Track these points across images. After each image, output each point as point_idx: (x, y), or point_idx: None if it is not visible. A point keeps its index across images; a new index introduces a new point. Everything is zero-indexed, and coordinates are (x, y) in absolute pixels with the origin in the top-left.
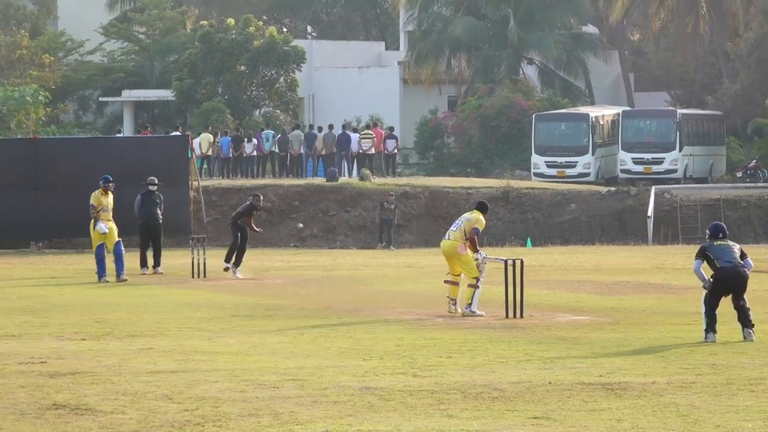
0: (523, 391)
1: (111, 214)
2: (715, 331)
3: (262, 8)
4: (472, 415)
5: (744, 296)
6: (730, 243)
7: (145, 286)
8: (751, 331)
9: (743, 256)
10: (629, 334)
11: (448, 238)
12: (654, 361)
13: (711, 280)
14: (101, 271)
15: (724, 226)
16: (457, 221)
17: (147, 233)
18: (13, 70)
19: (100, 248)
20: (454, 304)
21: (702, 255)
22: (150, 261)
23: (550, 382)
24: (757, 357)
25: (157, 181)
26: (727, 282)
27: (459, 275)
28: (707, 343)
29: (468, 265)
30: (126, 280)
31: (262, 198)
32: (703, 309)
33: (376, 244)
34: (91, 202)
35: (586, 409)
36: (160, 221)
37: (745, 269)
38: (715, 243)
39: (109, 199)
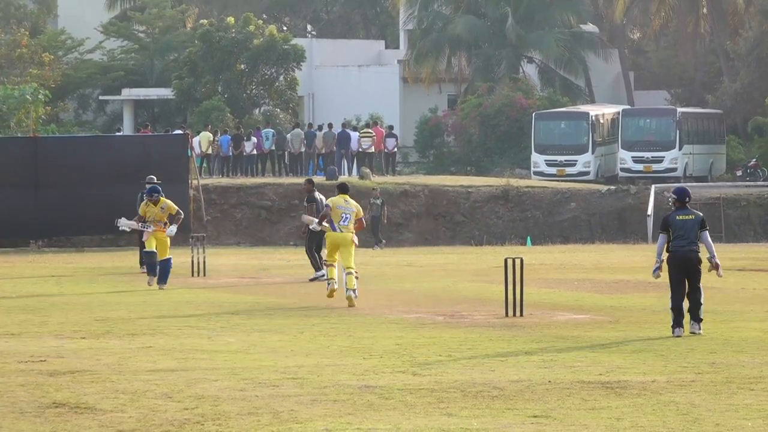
0: (523, 390)
1: (163, 224)
2: (681, 326)
3: (262, 7)
4: (471, 413)
5: (700, 286)
6: (692, 216)
7: (145, 284)
8: (698, 325)
9: (702, 226)
10: (629, 333)
11: (341, 231)
12: (654, 359)
13: (664, 260)
14: (150, 270)
15: (689, 191)
16: (342, 214)
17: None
18: (13, 69)
19: (149, 255)
20: (336, 283)
21: (665, 228)
22: None
23: (549, 381)
24: (756, 355)
25: (156, 180)
26: (678, 267)
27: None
28: (675, 336)
29: (353, 255)
30: (163, 289)
31: (309, 180)
32: (669, 304)
33: (373, 243)
34: (139, 212)
35: (586, 407)
36: None
37: (697, 251)
38: (678, 217)
39: (158, 209)
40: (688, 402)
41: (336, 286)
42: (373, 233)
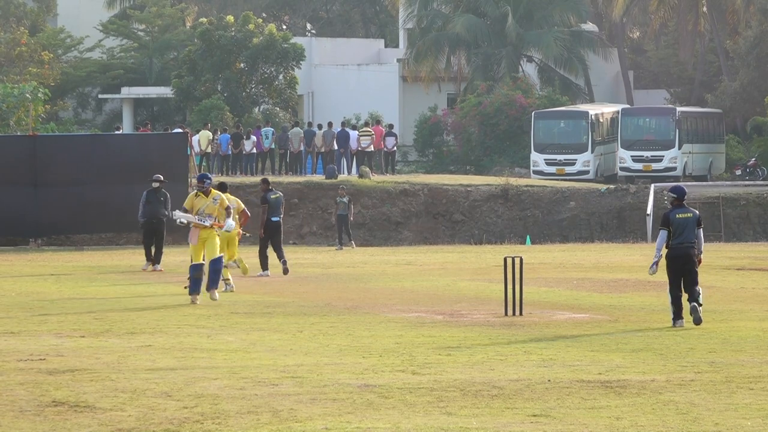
0: (522, 389)
1: (214, 219)
2: (681, 317)
3: (262, 5)
4: (471, 412)
5: (697, 285)
6: (690, 215)
7: (144, 283)
8: (697, 303)
9: (699, 224)
10: (628, 332)
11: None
12: (653, 358)
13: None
14: (193, 287)
15: (685, 188)
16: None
17: (150, 230)
18: (13, 67)
19: (195, 269)
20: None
21: (666, 225)
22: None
23: (549, 380)
24: (756, 354)
25: (162, 179)
26: (677, 263)
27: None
28: (676, 328)
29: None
30: (216, 299)
31: (265, 180)
32: (669, 299)
33: (342, 243)
34: (184, 204)
35: (586, 406)
36: (163, 219)
37: (695, 248)
38: (678, 215)
39: (209, 200)
40: (688, 401)
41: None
42: (338, 233)
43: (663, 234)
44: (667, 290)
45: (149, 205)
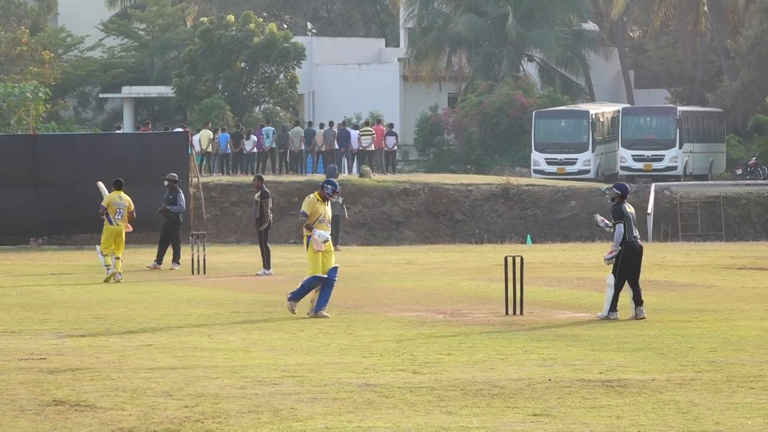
0: (523, 388)
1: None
2: (617, 310)
3: (262, 5)
4: (471, 412)
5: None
6: (634, 210)
7: (145, 282)
8: (642, 308)
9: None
10: (629, 331)
11: (117, 224)
12: (654, 358)
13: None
14: (298, 294)
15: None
16: (117, 209)
17: (164, 230)
18: (14, 67)
19: (314, 279)
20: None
21: (621, 218)
22: (163, 257)
23: (549, 379)
24: (757, 354)
25: (176, 178)
26: (635, 257)
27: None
28: (611, 320)
29: (123, 245)
30: (320, 317)
31: (259, 177)
32: (612, 291)
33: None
34: (303, 208)
35: (586, 406)
36: (177, 216)
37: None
38: (628, 210)
39: (327, 206)
40: (688, 400)
41: (113, 271)
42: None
43: (621, 227)
44: (613, 282)
45: (164, 203)
